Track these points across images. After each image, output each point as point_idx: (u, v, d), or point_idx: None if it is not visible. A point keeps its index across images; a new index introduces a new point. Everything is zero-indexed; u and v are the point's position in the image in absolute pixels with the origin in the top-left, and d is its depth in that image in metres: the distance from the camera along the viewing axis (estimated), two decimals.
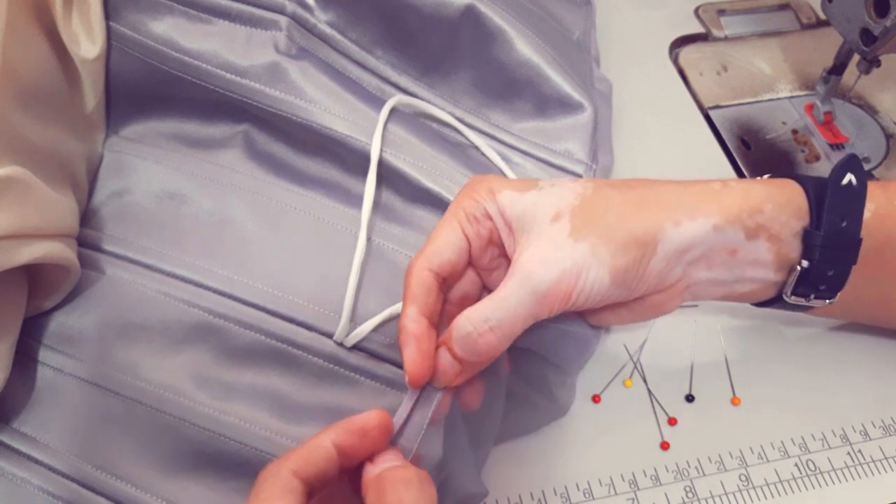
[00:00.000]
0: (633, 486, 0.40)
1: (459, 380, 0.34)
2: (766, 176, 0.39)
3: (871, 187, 0.38)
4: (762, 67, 0.60)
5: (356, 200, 0.43)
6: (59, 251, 0.37)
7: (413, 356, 0.33)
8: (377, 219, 0.44)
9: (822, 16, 0.56)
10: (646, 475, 0.40)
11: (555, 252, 0.33)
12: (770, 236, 0.36)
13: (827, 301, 0.38)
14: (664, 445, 0.41)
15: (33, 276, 0.37)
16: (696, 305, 0.46)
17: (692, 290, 0.37)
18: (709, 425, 0.42)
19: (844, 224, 0.36)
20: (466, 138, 0.47)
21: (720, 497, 0.40)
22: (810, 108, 0.57)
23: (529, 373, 0.39)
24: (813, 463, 0.41)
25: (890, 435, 0.42)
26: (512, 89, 0.48)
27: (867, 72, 0.51)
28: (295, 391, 0.37)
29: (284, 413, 0.37)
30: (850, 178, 0.37)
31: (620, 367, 0.44)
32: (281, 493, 0.28)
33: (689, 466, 0.41)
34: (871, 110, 0.58)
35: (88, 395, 0.37)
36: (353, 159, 0.44)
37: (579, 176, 0.48)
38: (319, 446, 0.29)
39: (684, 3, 0.64)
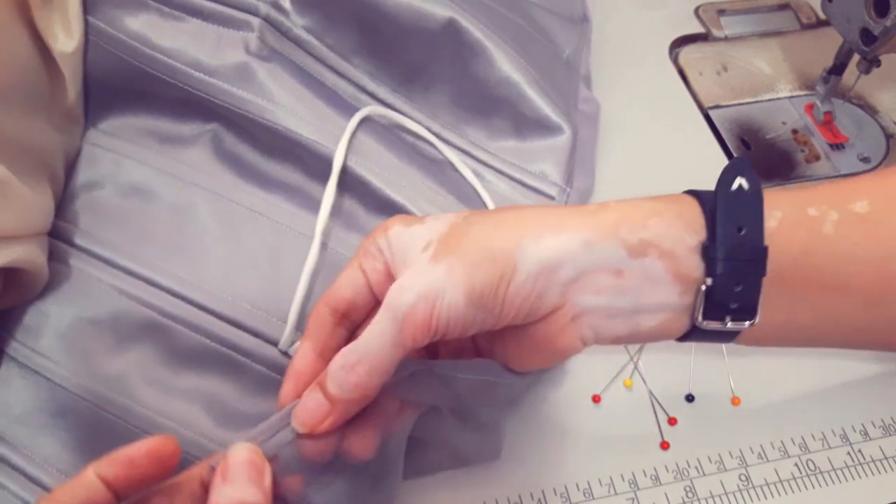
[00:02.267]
0: (633, 486, 0.40)
1: (327, 424, 0.32)
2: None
3: (780, 193, 0.35)
4: (762, 67, 0.60)
5: (317, 206, 0.43)
6: (33, 255, 0.37)
7: (286, 391, 0.34)
8: (336, 226, 0.44)
9: (822, 16, 0.56)
10: (646, 475, 0.40)
11: (414, 278, 0.32)
12: (662, 254, 0.33)
13: (747, 323, 0.34)
14: (664, 445, 0.41)
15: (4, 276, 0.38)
16: None
17: (586, 321, 0.33)
18: (709, 425, 0.42)
19: (743, 232, 0.33)
20: (441, 153, 0.47)
21: (720, 497, 0.40)
22: (810, 107, 0.57)
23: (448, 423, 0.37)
24: (813, 463, 0.41)
25: (890, 435, 0.42)
26: (490, 107, 0.47)
27: (867, 72, 0.51)
28: (236, 398, 0.38)
29: (222, 418, 0.37)
30: (740, 182, 0.34)
31: (620, 367, 0.44)
32: None
33: (689, 466, 0.41)
34: (871, 110, 0.58)
35: (45, 390, 0.37)
36: (317, 165, 0.44)
37: (552, 199, 0.47)
38: (83, 477, 0.29)
39: (684, 3, 0.64)
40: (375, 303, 0.36)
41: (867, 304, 0.35)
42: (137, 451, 0.30)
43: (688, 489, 0.40)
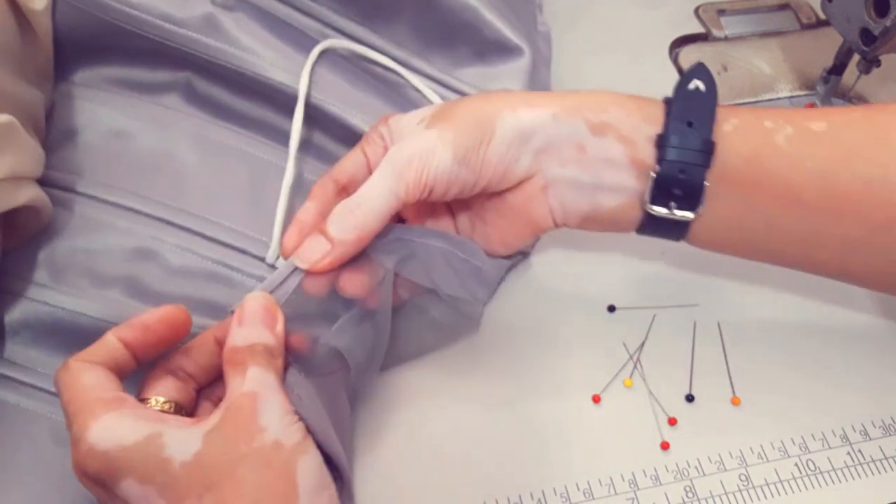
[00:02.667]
0: (633, 486, 0.40)
1: (327, 261, 0.36)
2: None
3: (734, 107, 0.39)
4: (762, 67, 0.60)
5: (288, 139, 0.45)
6: (42, 194, 0.40)
7: (290, 235, 0.39)
8: (309, 157, 0.48)
9: (822, 16, 0.56)
10: (646, 475, 0.40)
11: (410, 139, 0.37)
12: (621, 137, 0.37)
13: (691, 214, 0.37)
14: (664, 445, 0.41)
15: (5, 219, 0.39)
16: (696, 305, 0.46)
17: (553, 193, 0.38)
18: (709, 425, 0.42)
19: (693, 126, 0.36)
20: (404, 79, 0.49)
21: (720, 497, 0.40)
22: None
23: (432, 300, 0.41)
24: (813, 463, 0.41)
25: (890, 435, 0.42)
26: (453, 34, 0.50)
27: (867, 72, 0.51)
28: (230, 304, 0.39)
29: (221, 319, 0.39)
30: (696, 84, 0.38)
31: (620, 367, 0.44)
32: (81, 370, 0.32)
33: (689, 466, 0.41)
34: None
35: (46, 314, 0.40)
36: (285, 102, 0.46)
37: None
38: (103, 340, 0.33)
39: (684, 3, 0.64)
40: None
41: (816, 215, 0.37)
42: (151, 317, 0.34)
43: (688, 489, 0.40)
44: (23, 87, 0.41)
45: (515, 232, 0.41)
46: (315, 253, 0.36)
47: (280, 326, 0.35)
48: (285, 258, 0.38)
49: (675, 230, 0.39)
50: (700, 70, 0.38)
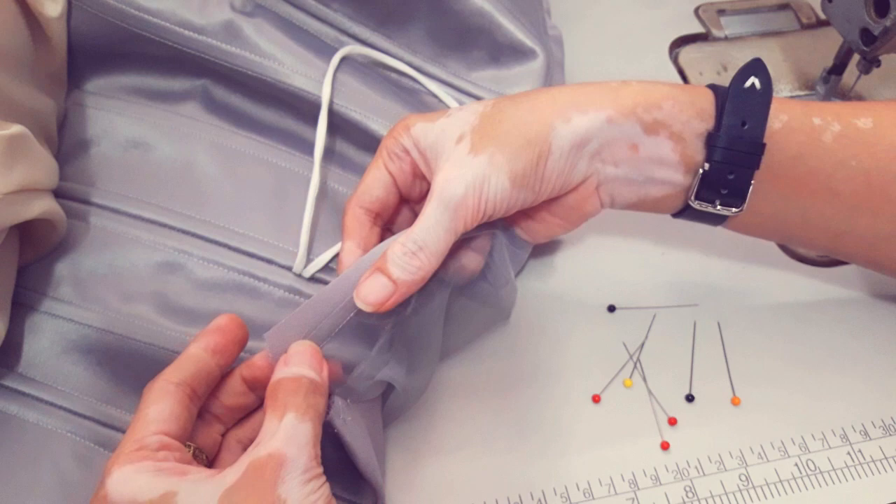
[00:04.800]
0: (633, 486, 0.40)
1: (391, 302, 0.35)
2: None
3: (791, 101, 0.38)
4: None
5: (311, 148, 0.45)
6: (56, 206, 0.39)
7: None
8: (332, 166, 0.47)
9: (822, 16, 0.56)
10: (646, 475, 0.40)
11: (459, 170, 0.35)
12: (672, 135, 0.37)
13: (734, 210, 0.38)
14: (664, 445, 0.41)
15: (22, 231, 0.39)
16: (695, 305, 0.46)
17: (606, 189, 0.38)
18: (709, 425, 0.42)
19: (746, 127, 0.36)
20: (422, 85, 0.49)
21: (720, 497, 0.40)
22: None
23: (465, 289, 0.41)
24: (813, 463, 0.41)
25: (890, 435, 0.42)
26: (467, 38, 0.49)
27: (867, 72, 0.51)
28: (258, 316, 0.40)
29: (251, 332, 0.38)
30: (753, 80, 0.37)
31: (620, 366, 0.44)
32: (156, 398, 0.32)
33: (689, 466, 0.41)
34: None
35: (71, 332, 0.39)
36: (307, 109, 0.46)
37: None
38: (188, 353, 0.34)
39: (684, 3, 0.64)
40: (402, 200, 0.41)
41: (852, 210, 0.38)
42: (221, 320, 0.35)
43: (688, 489, 0.40)
44: (35, 95, 0.41)
45: (564, 225, 0.40)
46: (379, 296, 0.35)
47: (325, 372, 0.34)
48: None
49: (713, 219, 0.39)
50: (757, 66, 0.37)
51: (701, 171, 0.37)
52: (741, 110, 0.36)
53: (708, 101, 0.37)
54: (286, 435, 0.31)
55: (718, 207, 0.38)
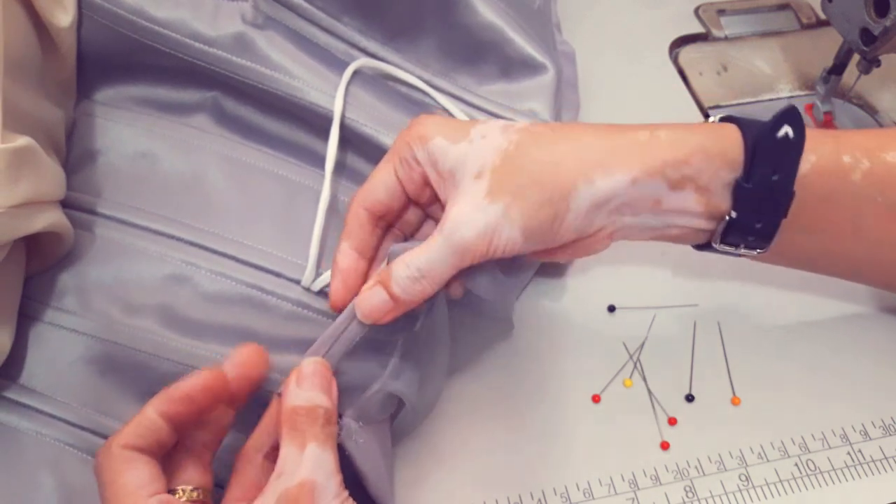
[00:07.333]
0: (633, 486, 0.40)
1: (389, 317, 0.35)
2: (714, 118, 0.39)
3: (821, 136, 0.37)
4: (762, 67, 0.60)
5: (322, 161, 0.45)
6: (62, 219, 0.38)
7: (336, 287, 0.38)
8: (343, 179, 0.46)
9: (822, 16, 0.56)
10: (646, 475, 0.40)
11: (472, 213, 0.34)
12: (698, 188, 0.36)
13: (757, 251, 0.38)
14: (664, 445, 0.41)
15: (28, 243, 0.39)
16: (695, 305, 0.46)
17: (621, 233, 0.38)
18: (709, 425, 0.42)
19: (776, 178, 0.35)
20: (433, 99, 0.48)
21: (720, 497, 0.40)
22: (810, 108, 0.57)
23: (466, 305, 0.41)
24: (813, 463, 0.41)
25: (890, 435, 0.42)
26: (477, 53, 0.49)
27: (867, 72, 0.51)
28: (265, 330, 0.39)
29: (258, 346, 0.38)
30: (786, 130, 0.35)
31: (620, 366, 0.44)
32: (121, 469, 0.30)
33: (689, 466, 0.41)
34: (871, 110, 0.58)
35: (77, 342, 0.38)
36: (318, 123, 0.45)
37: None
38: (144, 418, 0.32)
39: (684, 3, 0.64)
40: (408, 204, 0.40)
41: (876, 244, 0.38)
42: (194, 388, 0.32)
43: (688, 489, 0.40)
44: (44, 104, 0.41)
45: (568, 258, 0.40)
46: (379, 311, 0.35)
47: (334, 392, 0.34)
48: (336, 312, 0.38)
49: (734, 256, 0.39)
50: (792, 115, 0.36)
51: (728, 217, 0.36)
52: (772, 161, 0.35)
53: (738, 149, 0.36)
54: (313, 464, 0.31)
55: (742, 249, 0.38)
